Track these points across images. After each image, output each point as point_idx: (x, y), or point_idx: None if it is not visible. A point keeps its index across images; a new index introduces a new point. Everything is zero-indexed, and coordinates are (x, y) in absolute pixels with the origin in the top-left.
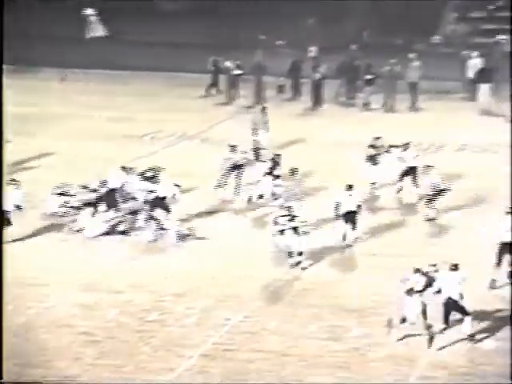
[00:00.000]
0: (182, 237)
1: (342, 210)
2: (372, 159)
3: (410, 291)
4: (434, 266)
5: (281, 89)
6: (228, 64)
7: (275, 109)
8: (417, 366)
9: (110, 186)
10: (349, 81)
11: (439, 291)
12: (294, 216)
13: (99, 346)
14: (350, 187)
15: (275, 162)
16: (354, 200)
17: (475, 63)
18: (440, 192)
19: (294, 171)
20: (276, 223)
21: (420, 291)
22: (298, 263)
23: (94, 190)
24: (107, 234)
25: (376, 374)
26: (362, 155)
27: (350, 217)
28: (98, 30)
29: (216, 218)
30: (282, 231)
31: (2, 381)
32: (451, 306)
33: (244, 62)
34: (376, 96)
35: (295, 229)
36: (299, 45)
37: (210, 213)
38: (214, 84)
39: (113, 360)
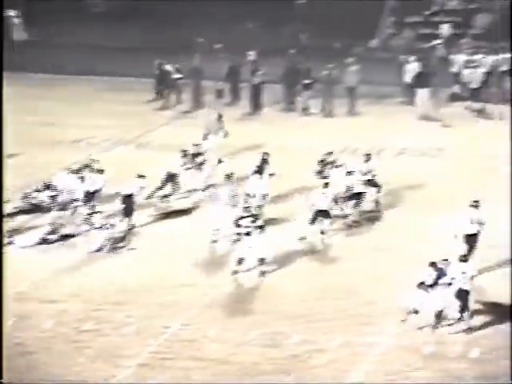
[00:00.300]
0: (117, 241)
1: (316, 208)
2: (320, 173)
3: (421, 285)
4: (446, 260)
5: (219, 93)
6: (168, 67)
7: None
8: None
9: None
10: (288, 85)
11: (450, 284)
12: (256, 216)
13: (33, 358)
14: (326, 185)
15: (264, 161)
16: (328, 199)
17: (413, 68)
18: (355, 195)
19: (229, 176)
20: (238, 226)
21: (431, 285)
22: (262, 271)
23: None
24: (43, 242)
25: (318, 379)
26: (305, 161)
27: (323, 215)
28: (20, 33)
29: (154, 225)
30: (247, 233)
31: (2, 381)
32: (463, 296)
33: (182, 65)
34: (316, 101)
35: (261, 228)
36: (238, 48)
37: (148, 219)
38: (161, 88)
39: (48, 371)
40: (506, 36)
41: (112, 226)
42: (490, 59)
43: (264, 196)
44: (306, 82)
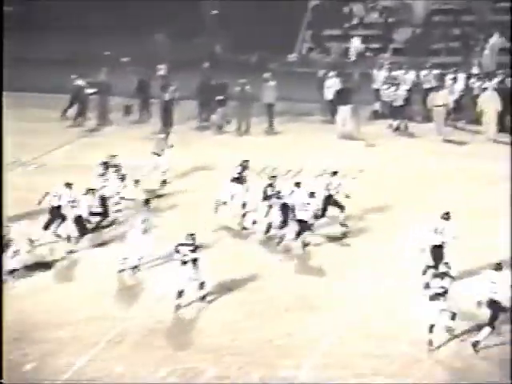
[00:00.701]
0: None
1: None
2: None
3: (434, 296)
4: (447, 263)
5: (128, 109)
6: (80, 82)
7: (122, 132)
8: None
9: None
10: (202, 102)
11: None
12: (197, 246)
13: None
14: (297, 184)
15: (244, 167)
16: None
17: (333, 83)
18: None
19: (147, 201)
20: (177, 252)
21: (443, 294)
22: (204, 297)
23: None
24: None
25: None
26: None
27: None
28: None
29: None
30: (184, 262)
31: (2, 381)
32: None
33: (90, 80)
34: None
35: (195, 261)
36: (147, 62)
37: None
38: (71, 104)
39: None
40: (427, 51)
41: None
42: (412, 75)
43: (244, 205)
44: (219, 98)
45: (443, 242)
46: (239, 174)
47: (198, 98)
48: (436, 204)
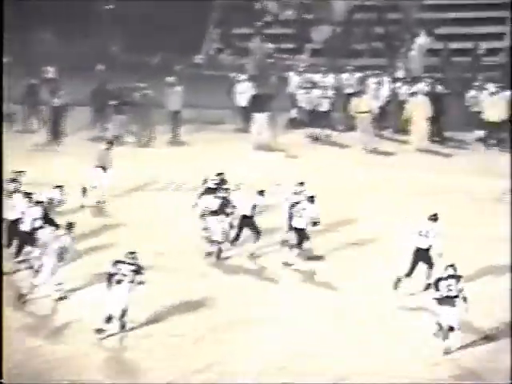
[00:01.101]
0: None
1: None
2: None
3: (444, 299)
4: (452, 265)
5: (10, 118)
6: None
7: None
8: None
9: None
10: (97, 108)
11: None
12: (140, 267)
13: None
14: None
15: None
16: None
17: (245, 88)
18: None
19: (70, 225)
20: (114, 270)
21: (456, 296)
22: (123, 326)
23: None
24: None
25: None
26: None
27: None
28: None
29: None
30: (119, 282)
31: (2, 381)
32: None
33: None
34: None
35: (139, 283)
36: (33, 63)
37: None
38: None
39: None
40: (348, 52)
41: None
42: (332, 79)
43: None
44: (113, 103)
45: (430, 245)
46: (217, 184)
47: (93, 105)
48: (362, 216)
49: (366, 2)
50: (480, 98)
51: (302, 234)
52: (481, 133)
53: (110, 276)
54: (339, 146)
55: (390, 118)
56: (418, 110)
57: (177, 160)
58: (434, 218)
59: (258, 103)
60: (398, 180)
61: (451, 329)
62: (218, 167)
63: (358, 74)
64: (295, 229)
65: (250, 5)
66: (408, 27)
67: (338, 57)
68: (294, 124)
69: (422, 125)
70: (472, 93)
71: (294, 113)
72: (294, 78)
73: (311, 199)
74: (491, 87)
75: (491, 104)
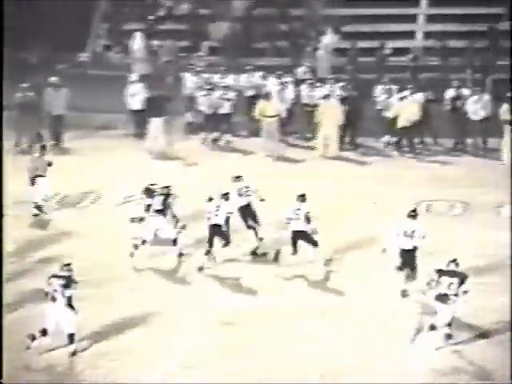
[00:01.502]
0: None
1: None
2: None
3: (443, 296)
4: (454, 261)
5: None
6: None
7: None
8: None
9: None
10: None
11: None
12: (71, 280)
13: None
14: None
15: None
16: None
17: (137, 89)
18: None
19: None
20: (48, 284)
21: (456, 294)
22: (73, 351)
23: None
24: None
25: None
26: None
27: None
28: None
29: None
30: (53, 299)
31: (2, 381)
32: None
33: None
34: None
35: (69, 299)
36: None
37: None
38: None
39: None
40: (250, 51)
41: None
42: (231, 80)
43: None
44: None
45: (414, 246)
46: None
47: None
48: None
49: None
50: (390, 101)
51: (219, 232)
52: (392, 138)
53: (46, 294)
54: (242, 152)
55: (297, 123)
56: (329, 114)
57: (59, 171)
58: (414, 214)
59: (153, 106)
60: (305, 189)
61: (432, 327)
62: (108, 178)
63: (260, 75)
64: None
65: None
66: (313, 24)
67: (239, 56)
68: (192, 129)
69: (333, 130)
70: (382, 96)
71: (189, 116)
72: (189, 79)
73: (225, 196)
74: (406, 91)
75: (402, 108)
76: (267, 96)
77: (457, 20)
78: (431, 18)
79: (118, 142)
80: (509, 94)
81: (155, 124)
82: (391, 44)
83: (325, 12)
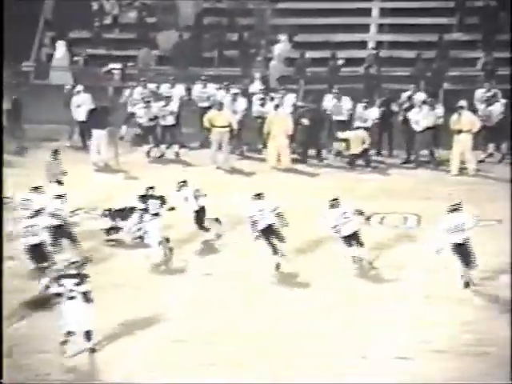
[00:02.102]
0: None
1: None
2: None
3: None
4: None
5: None
6: None
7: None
8: None
9: None
10: None
11: None
12: (84, 276)
13: None
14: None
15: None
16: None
17: (82, 100)
18: None
19: None
20: (59, 285)
21: None
22: (91, 348)
23: None
24: None
25: None
26: None
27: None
28: None
29: None
30: (71, 298)
31: (2, 381)
32: None
33: None
34: None
35: (85, 295)
36: None
37: None
38: None
39: None
40: (200, 61)
41: None
42: (182, 90)
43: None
44: None
45: (466, 238)
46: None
47: None
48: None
49: (218, 4)
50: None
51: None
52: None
53: (57, 296)
54: (188, 164)
55: (247, 134)
56: (278, 124)
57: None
58: (458, 207)
59: (96, 118)
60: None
61: None
62: (46, 193)
63: (212, 85)
64: None
65: (87, 4)
66: (263, 33)
67: (188, 65)
68: (136, 141)
69: (283, 141)
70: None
71: (124, 129)
72: (137, 90)
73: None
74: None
75: (352, 137)
76: (220, 106)
77: (407, 30)
78: (382, 28)
79: (61, 155)
80: (462, 104)
81: (97, 136)
82: (343, 54)
83: (275, 21)
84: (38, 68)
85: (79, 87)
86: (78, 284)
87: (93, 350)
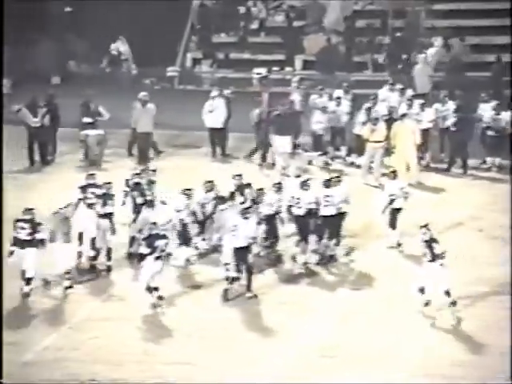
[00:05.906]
0: None
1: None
2: None
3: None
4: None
5: None
6: None
7: None
8: None
9: None
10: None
11: None
12: (109, 195)
13: None
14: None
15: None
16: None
17: (216, 105)
18: None
19: None
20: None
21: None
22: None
23: None
24: None
25: None
26: None
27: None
28: None
29: None
30: (90, 205)
31: (2, 381)
32: None
33: None
34: None
35: (109, 217)
36: None
37: None
38: None
39: None
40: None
41: None
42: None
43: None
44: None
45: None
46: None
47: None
48: None
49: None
50: None
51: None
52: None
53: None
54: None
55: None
56: (406, 134)
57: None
58: (394, 175)
59: (280, 123)
60: None
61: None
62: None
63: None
64: None
65: (234, 8)
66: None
67: (335, 70)
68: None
69: (411, 152)
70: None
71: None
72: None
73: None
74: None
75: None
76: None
77: None
78: None
79: (206, 161)
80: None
81: (280, 143)
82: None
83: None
84: (183, 73)
85: (215, 92)
86: (101, 197)
87: (109, 270)
